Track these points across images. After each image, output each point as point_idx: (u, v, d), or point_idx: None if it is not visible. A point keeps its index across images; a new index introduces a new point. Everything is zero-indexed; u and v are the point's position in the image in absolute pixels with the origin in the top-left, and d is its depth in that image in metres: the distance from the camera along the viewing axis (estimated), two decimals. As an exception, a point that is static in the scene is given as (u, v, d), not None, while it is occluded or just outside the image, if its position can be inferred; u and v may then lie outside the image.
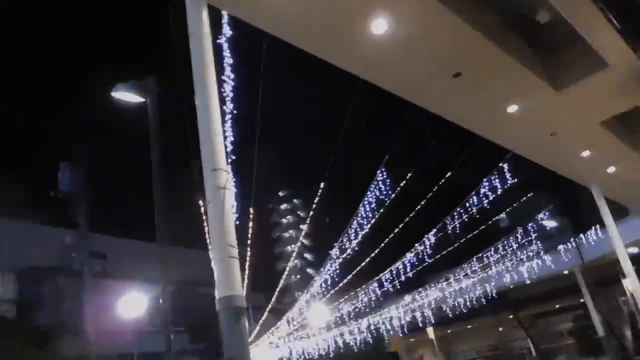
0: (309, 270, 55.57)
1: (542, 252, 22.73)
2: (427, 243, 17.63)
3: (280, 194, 65.44)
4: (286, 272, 30.26)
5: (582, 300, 35.31)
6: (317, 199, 13.08)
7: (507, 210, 18.95)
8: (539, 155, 13.32)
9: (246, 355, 3.78)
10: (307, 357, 25.06)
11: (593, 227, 24.15)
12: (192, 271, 32.01)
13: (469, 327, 47.94)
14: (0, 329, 15.93)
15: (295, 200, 65.13)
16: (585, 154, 13.69)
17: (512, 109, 10.59)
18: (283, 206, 65.26)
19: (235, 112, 5.43)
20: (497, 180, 15.00)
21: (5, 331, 15.78)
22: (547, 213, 19.31)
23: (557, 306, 44.27)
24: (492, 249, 20.93)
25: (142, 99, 8.60)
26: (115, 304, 17.91)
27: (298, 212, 64.43)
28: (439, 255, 20.22)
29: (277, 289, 26.28)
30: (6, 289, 19.07)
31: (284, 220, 64.96)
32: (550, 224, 18.59)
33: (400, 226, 16.28)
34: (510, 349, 46.76)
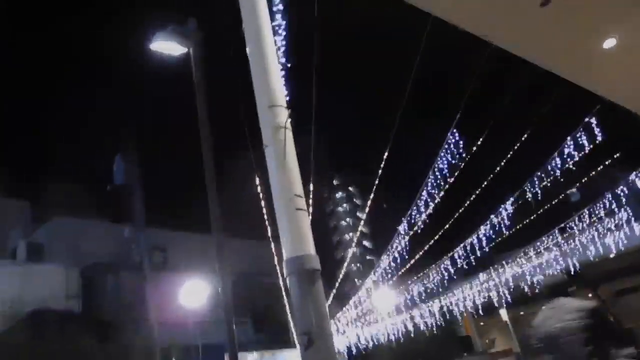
0: (369, 257, 54.47)
1: (632, 219, 20.41)
2: (503, 214, 16.01)
3: (335, 182, 64.48)
4: (347, 259, 29.28)
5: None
6: (380, 169, 11.92)
7: (593, 174, 16.95)
8: (636, 102, 11.47)
9: (325, 328, 2.73)
10: (375, 343, 24.02)
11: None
12: (255, 261, 31.78)
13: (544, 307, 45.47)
14: (67, 323, 15.93)
15: (350, 188, 64.00)
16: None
17: (610, 43, 8.91)
18: (339, 194, 64.30)
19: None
20: (583, 138, 13.25)
21: (71, 325, 15.77)
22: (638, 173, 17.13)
23: (640, 282, 41.51)
24: (575, 219, 18.93)
25: (184, 49, 7.64)
26: (177, 295, 17.56)
27: (354, 200, 63.29)
28: (514, 229, 18.57)
29: (341, 275, 25.37)
30: (71, 284, 19.21)
31: (340, 209, 64.03)
32: None
33: (473, 197, 14.85)
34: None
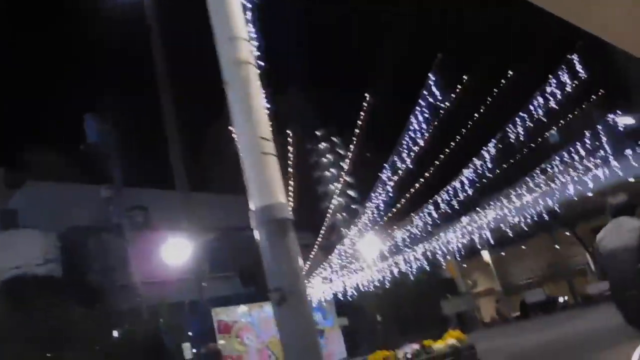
0: (355, 207, 54.53)
1: (610, 158, 20.47)
2: (486, 157, 15.85)
3: (319, 132, 63.54)
4: (331, 208, 29.19)
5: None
6: (361, 116, 11.57)
7: (574, 114, 16.84)
8: (625, 38, 11.13)
9: (299, 283, 2.46)
10: (362, 290, 24.32)
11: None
12: (241, 215, 31.54)
13: (524, 248, 46.79)
14: (47, 288, 15.69)
15: (333, 138, 63.35)
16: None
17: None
18: (322, 145, 63.61)
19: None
20: (565, 76, 12.98)
21: (52, 290, 15.54)
22: (618, 111, 17.05)
23: (618, 217, 42.50)
24: (556, 157, 18.88)
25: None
26: (161, 254, 17.38)
27: (338, 150, 62.83)
28: (497, 171, 18.52)
29: (324, 225, 25.35)
30: (50, 249, 18.82)
31: (324, 160, 63.53)
32: (625, 120, 16.30)
33: (456, 141, 14.65)
34: (568, 266, 45.52)
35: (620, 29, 10.94)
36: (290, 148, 14.29)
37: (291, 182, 15.84)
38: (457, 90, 11.68)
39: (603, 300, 32.44)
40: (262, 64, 3.17)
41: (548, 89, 13.28)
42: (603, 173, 22.14)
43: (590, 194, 29.64)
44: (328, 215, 26.12)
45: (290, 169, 14.14)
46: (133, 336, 15.93)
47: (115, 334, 16.23)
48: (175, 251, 17.48)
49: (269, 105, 3.05)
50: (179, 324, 17.38)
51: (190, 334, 17.25)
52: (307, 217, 30.72)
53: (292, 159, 14.88)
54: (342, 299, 24.24)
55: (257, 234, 2.69)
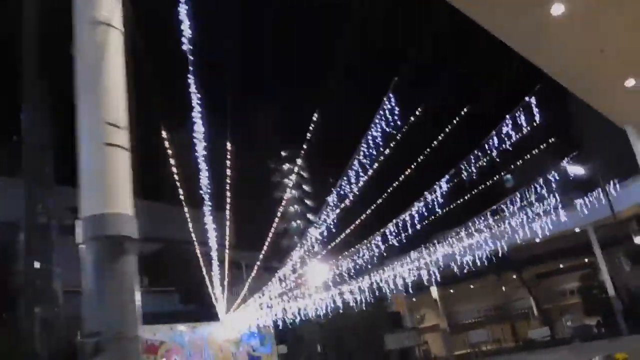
0: (309, 231, 53.56)
1: (559, 206, 20.63)
2: (437, 192, 15.50)
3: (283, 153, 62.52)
4: (275, 228, 28.17)
5: (586, 260, 34.05)
6: (309, 134, 10.98)
7: (526, 158, 16.81)
8: (577, 82, 11.06)
9: (129, 329, 1.68)
10: (303, 319, 23.41)
11: (612, 181, 22.12)
12: (185, 230, 30.17)
13: (472, 287, 46.97)
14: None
15: (298, 160, 62.51)
16: (630, 83, 11.46)
17: (558, 9, 8.31)
18: (285, 166, 62.57)
19: None
20: (522, 117, 12.82)
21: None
22: (569, 160, 17.14)
23: (561, 265, 43.39)
24: (507, 201, 18.84)
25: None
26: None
27: (293, 169, 62.01)
28: (447, 208, 18.25)
29: (266, 244, 24.38)
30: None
31: (279, 178, 62.51)
32: (575, 170, 16.36)
33: (407, 173, 14.24)
34: (513, 309, 45.88)
35: (574, 75, 10.79)
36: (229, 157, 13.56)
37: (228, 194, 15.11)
38: (412, 119, 11.29)
39: (543, 346, 32.80)
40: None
41: (504, 129, 13.08)
42: (551, 220, 22.35)
43: (537, 240, 30.12)
44: (273, 235, 25.16)
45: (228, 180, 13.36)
46: (43, 351, 14.46)
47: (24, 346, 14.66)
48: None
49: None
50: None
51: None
52: (251, 236, 29.75)
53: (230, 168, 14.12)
54: (282, 326, 23.25)
55: (83, 253, 1.92)
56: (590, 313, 34.75)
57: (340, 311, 25.19)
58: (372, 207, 16.10)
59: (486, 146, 13.40)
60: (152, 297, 25.36)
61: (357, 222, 17.86)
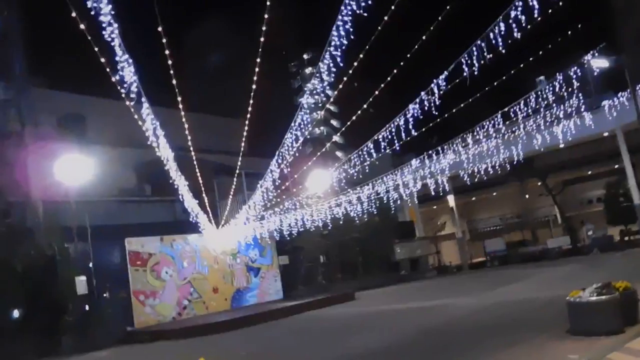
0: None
1: (582, 108, 18.31)
2: (438, 90, 13.49)
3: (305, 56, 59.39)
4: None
5: (617, 166, 31.92)
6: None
7: (545, 48, 14.41)
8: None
9: None
10: (305, 229, 22.43)
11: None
12: (201, 136, 28.88)
13: (494, 194, 45.66)
14: None
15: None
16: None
17: None
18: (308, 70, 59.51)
19: None
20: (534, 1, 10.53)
21: None
22: (595, 53, 14.65)
23: (589, 172, 41.41)
24: (522, 102, 16.64)
25: None
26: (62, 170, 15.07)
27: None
28: (457, 108, 16.32)
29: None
30: None
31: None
32: (599, 63, 13.89)
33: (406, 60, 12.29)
34: (534, 217, 44.62)
35: None
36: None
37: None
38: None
39: (561, 255, 31.77)
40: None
41: (512, 13, 10.83)
42: (574, 124, 20.15)
43: (561, 146, 27.92)
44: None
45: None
46: (16, 264, 14.00)
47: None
48: (80, 168, 15.22)
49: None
50: (80, 253, 15.38)
51: (91, 265, 15.33)
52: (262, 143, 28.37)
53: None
54: (283, 237, 22.46)
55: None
56: (613, 222, 33.25)
57: (345, 221, 24.21)
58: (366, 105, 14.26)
59: (492, 35, 11.24)
60: (151, 207, 24.88)
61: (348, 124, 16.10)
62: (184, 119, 14.69)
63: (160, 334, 15.50)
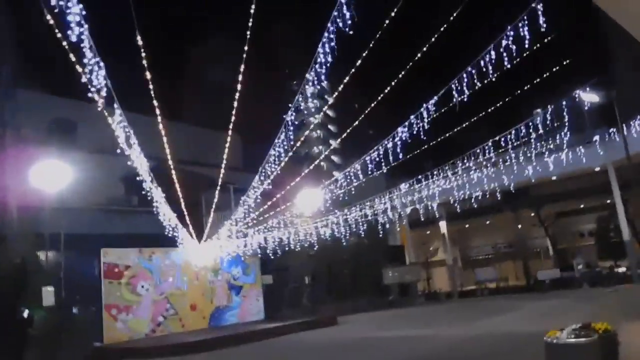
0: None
1: (575, 143, 18.10)
2: (427, 114, 13.21)
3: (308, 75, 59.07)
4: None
5: (608, 201, 31.77)
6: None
7: (538, 79, 14.24)
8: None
9: None
10: (290, 248, 21.92)
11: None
12: (188, 147, 28.48)
13: (488, 222, 45.40)
14: None
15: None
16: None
17: None
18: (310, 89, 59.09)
19: None
20: (526, 29, 10.29)
21: None
22: (587, 88, 14.48)
23: (582, 206, 41.32)
24: (514, 131, 16.39)
25: None
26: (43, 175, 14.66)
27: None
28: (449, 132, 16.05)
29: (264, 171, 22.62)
30: None
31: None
32: (589, 97, 13.71)
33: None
34: (526, 247, 44.30)
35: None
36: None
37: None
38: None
39: (550, 288, 31.32)
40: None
41: (503, 42, 10.61)
42: (567, 157, 19.89)
43: (554, 178, 27.69)
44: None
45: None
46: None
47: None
48: (59, 175, 14.81)
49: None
50: (51, 262, 14.88)
51: (62, 275, 14.80)
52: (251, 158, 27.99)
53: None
54: (267, 255, 21.93)
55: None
56: (604, 257, 33.01)
57: (333, 242, 23.77)
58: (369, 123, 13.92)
59: (482, 63, 11.02)
60: (137, 218, 24.33)
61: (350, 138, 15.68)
62: (163, 130, 14.37)
63: (129, 351, 14.92)
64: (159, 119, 13.99)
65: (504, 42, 10.81)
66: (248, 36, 10.57)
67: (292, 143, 15.27)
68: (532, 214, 41.77)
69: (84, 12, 7.11)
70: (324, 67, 10.72)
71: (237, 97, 12.87)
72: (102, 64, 7.95)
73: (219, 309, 21.20)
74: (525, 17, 10.27)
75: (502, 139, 17.09)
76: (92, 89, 8.36)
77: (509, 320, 16.90)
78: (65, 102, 25.61)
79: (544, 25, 9.92)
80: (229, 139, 16.75)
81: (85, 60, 7.76)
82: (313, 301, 26.17)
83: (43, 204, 14.65)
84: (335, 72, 10.88)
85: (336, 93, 13.05)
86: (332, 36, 9.51)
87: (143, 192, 24.87)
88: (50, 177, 14.61)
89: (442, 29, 10.86)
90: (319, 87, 11.61)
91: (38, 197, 14.95)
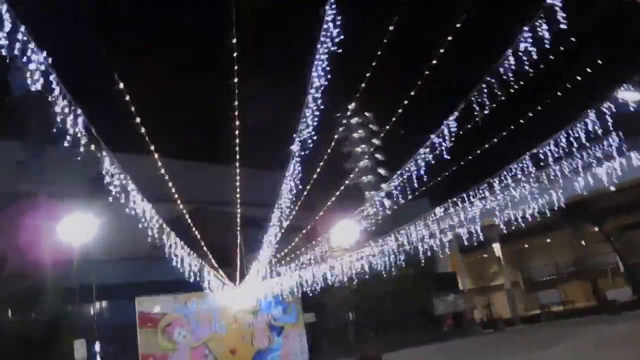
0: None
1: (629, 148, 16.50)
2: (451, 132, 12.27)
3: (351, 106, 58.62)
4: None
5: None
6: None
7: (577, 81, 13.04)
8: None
9: None
10: (332, 284, 21.04)
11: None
12: (212, 187, 28.51)
13: (548, 241, 42.78)
14: None
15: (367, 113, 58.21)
16: None
17: None
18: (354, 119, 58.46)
19: None
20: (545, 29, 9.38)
21: None
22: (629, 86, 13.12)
23: (652, 216, 38.20)
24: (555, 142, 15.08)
25: None
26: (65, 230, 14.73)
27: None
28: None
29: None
30: None
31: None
32: (634, 96, 12.35)
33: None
34: (593, 265, 41.18)
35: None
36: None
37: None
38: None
39: (622, 309, 28.62)
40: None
41: (521, 45, 9.67)
42: (620, 165, 18.20)
43: (612, 189, 25.51)
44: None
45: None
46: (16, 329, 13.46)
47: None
48: (86, 228, 14.84)
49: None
50: (84, 314, 14.76)
51: (95, 327, 14.62)
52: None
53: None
54: (308, 293, 21.14)
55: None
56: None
57: (376, 274, 22.66)
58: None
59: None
60: (170, 264, 24.18)
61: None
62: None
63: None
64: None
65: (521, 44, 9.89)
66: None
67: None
68: (596, 229, 39.05)
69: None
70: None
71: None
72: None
73: (260, 351, 20.50)
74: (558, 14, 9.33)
75: (549, 151, 15.84)
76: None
77: (572, 351, 15.25)
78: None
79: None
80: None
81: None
82: (359, 337, 24.96)
83: (72, 257, 14.66)
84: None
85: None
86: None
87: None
88: (77, 230, 14.63)
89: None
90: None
91: (68, 251, 15.01)
